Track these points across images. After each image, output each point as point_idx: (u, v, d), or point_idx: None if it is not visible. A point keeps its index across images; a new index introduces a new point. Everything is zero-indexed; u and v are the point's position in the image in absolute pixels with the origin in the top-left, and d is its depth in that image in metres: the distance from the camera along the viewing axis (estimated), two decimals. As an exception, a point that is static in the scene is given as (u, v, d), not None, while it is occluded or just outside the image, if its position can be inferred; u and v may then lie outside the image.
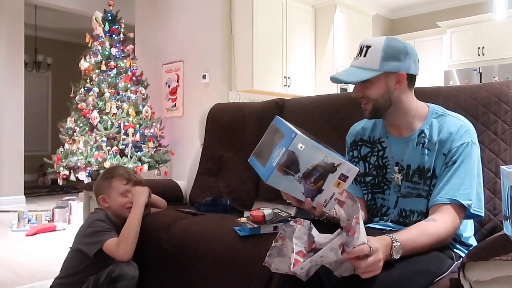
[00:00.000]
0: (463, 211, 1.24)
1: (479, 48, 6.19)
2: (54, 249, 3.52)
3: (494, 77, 5.77)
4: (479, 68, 6.06)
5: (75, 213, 4.42)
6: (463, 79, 6.09)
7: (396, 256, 1.09)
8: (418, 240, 1.14)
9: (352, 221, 0.99)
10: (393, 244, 1.08)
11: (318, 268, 1.05)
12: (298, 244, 1.06)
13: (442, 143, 1.31)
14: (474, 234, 1.41)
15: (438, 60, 6.65)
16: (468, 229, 1.37)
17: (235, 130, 2.41)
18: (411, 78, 1.35)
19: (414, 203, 1.34)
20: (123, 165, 4.38)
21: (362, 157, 1.49)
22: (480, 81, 5.95)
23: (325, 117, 2.06)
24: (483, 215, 1.28)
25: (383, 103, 1.33)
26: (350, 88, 5.56)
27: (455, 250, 1.31)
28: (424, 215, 1.32)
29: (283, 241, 1.11)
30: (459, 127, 1.30)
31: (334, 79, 1.37)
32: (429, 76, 6.66)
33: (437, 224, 1.19)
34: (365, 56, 1.31)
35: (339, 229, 1.04)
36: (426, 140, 1.34)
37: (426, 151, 1.33)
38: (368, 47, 1.32)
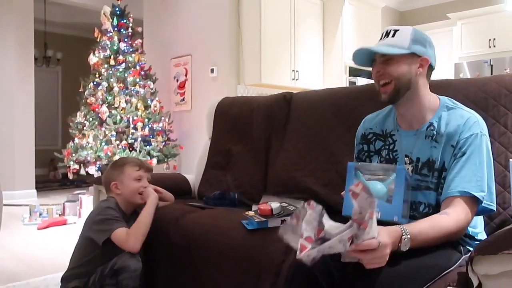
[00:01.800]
0: (476, 204, 1.23)
1: (490, 40, 6.10)
2: (65, 243, 3.57)
3: (505, 69, 5.69)
4: (490, 60, 5.98)
5: (85, 207, 4.47)
6: (474, 72, 6.02)
7: (404, 249, 1.09)
8: (430, 232, 1.14)
9: (366, 215, 0.99)
10: (403, 236, 1.08)
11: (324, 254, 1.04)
12: (307, 230, 1.06)
13: (450, 135, 1.30)
14: (484, 229, 1.39)
15: (448, 52, 6.57)
16: (478, 224, 1.36)
17: (243, 124, 2.41)
18: (431, 68, 1.40)
19: (422, 196, 1.34)
20: (132, 159, 4.41)
21: (376, 151, 1.49)
22: (491, 73, 5.87)
23: (332, 111, 2.05)
24: (494, 208, 1.26)
25: (404, 84, 1.34)
26: (359, 81, 5.54)
27: (463, 244, 1.30)
28: (433, 207, 1.31)
29: (297, 220, 1.11)
30: (467, 119, 1.30)
31: (358, 52, 1.37)
32: (439, 68, 6.57)
33: (449, 218, 1.18)
34: (393, 37, 1.35)
35: (350, 221, 1.03)
36: (435, 133, 1.33)
37: (434, 143, 1.33)
38: (396, 30, 1.36)
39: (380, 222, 1.06)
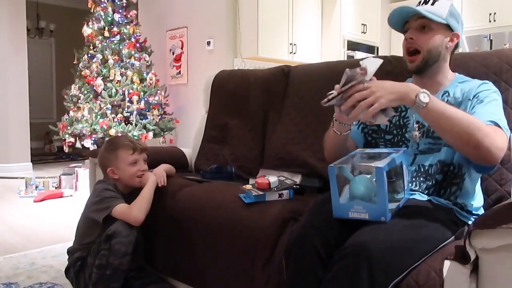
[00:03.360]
0: (498, 128, 1.19)
1: (490, 14, 6.01)
2: (62, 215, 3.58)
3: (505, 44, 5.64)
4: (490, 35, 5.91)
5: (81, 180, 4.47)
6: (473, 46, 5.96)
7: (424, 99, 1.15)
8: (452, 109, 1.18)
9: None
10: (422, 90, 1.16)
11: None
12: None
13: (468, 94, 1.33)
14: (483, 205, 1.40)
15: (447, 27, 6.50)
16: (477, 199, 1.36)
17: (240, 98, 2.38)
18: (456, 45, 1.41)
19: (433, 157, 1.34)
20: (128, 132, 4.39)
21: None
22: (491, 48, 5.82)
23: (331, 84, 2.01)
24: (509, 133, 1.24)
25: (434, 56, 1.36)
26: (357, 55, 5.48)
27: (461, 218, 1.30)
28: (446, 164, 1.32)
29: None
30: (483, 81, 1.35)
31: (399, 9, 1.36)
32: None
33: (480, 121, 1.17)
34: (432, 5, 1.34)
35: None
36: (450, 98, 1.36)
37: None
38: (435, 0, 1.35)
39: (368, 223, 1.12)
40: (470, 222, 1.30)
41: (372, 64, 1.20)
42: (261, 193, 1.58)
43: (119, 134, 4.26)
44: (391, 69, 1.76)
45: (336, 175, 1.17)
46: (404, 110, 1.45)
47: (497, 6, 5.97)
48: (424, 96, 1.16)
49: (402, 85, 1.21)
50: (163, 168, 2.01)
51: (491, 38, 5.91)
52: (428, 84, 1.38)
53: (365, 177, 1.17)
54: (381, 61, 1.22)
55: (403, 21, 1.40)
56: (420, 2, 1.38)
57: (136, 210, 1.73)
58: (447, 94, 1.38)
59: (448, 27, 1.35)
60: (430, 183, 1.34)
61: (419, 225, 1.13)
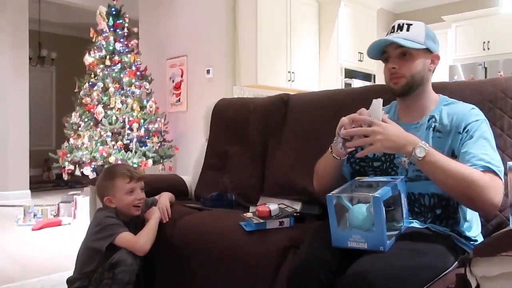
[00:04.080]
0: (492, 174, 1.20)
1: (484, 42, 6.14)
2: (60, 244, 3.55)
3: (499, 72, 5.73)
4: (484, 62, 6.02)
5: (80, 208, 4.45)
6: (468, 74, 6.06)
7: (419, 154, 1.16)
8: (448, 162, 1.18)
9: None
10: (420, 143, 1.17)
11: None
12: None
13: (456, 124, 1.32)
14: (481, 231, 1.40)
15: (442, 55, 6.53)
16: (474, 225, 1.37)
17: (240, 125, 2.41)
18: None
19: (423, 186, 1.33)
20: (127, 160, 4.40)
21: None
22: (485, 76, 5.91)
23: (330, 112, 2.05)
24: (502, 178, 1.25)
25: (418, 80, 1.37)
26: (355, 83, 5.55)
27: (460, 245, 1.31)
28: (437, 196, 1.32)
29: None
30: (471, 108, 1.35)
31: (375, 44, 1.37)
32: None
33: (475, 170, 1.18)
34: (408, 30, 1.35)
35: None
36: (437, 124, 1.36)
37: (438, 133, 1.34)
38: (409, 24, 1.36)
39: (365, 252, 1.13)
40: (468, 250, 1.31)
41: (377, 106, 1.27)
42: (262, 221, 1.58)
43: (119, 162, 4.27)
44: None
45: (334, 204, 1.18)
46: None
47: (491, 35, 6.11)
48: (420, 151, 1.17)
49: (404, 136, 1.22)
50: (168, 200, 2.02)
51: (485, 66, 6.02)
52: (413, 108, 1.41)
53: (363, 206, 1.17)
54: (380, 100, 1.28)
55: (382, 50, 1.41)
56: (394, 28, 1.38)
57: (143, 240, 1.73)
58: (433, 119, 1.37)
59: (427, 50, 1.37)
60: (429, 215, 1.34)
61: (419, 253, 1.13)
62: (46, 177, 8.41)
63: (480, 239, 1.37)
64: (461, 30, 6.41)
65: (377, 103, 1.26)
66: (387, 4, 7.35)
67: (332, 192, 1.21)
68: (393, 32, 1.37)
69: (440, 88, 1.68)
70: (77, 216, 4.46)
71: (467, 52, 6.32)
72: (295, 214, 1.67)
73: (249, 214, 1.67)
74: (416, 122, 1.40)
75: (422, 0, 7.28)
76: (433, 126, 1.36)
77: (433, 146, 1.30)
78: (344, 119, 1.29)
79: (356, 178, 1.37)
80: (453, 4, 6.94)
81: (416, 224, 1.33)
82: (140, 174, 1.93)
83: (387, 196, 1.15)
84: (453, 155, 1.30)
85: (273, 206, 1.62)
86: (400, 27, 1.36)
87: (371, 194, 1.13)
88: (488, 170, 1.20)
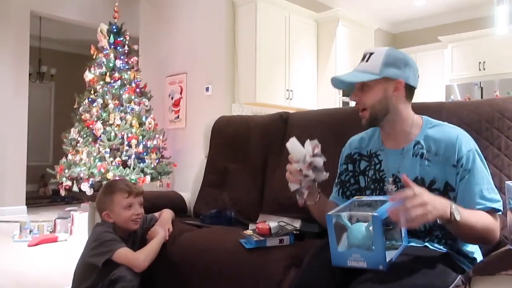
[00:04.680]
0: (495, 213, 1.27)
1: (480, 62, 6.23)
2: (56, 260, 3.52)
3: (495, 92, 5.80)
4: (480, 82, 6.10)
5: (77, 224, 4.42)
6: (464, 94, 6.13)
7: (457, 216, 1.14)
8: (472, 217, 1.19)
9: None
10: (452, 205, 1.15)
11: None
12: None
13: (447, 155, 1.31)
14: (479, 249, 1.41)
15: (439, 74, 6.69)
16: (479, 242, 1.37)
17: (239, 143, 2.42)
18: (410, 89, 1.38)
19: None
20: (126, 176, 4.40)
21: (362, 171, 1.49)
22: (481, 96, 5.98)
23: (329, 131, 2.07)
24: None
25: (380, 109, 1.35)
26: (352, 102, 5.59)
27: (459, 263, 1.31)
28: (430, 225, 1.32)
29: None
30: (457, 137, 1.32)
31: (334, 80, 1.39)
32: (430, 90, 6.70)
33: (486, 215, 1.23)
34: (367, 61, 1.36)
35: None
36: (424, 151, 1.34)
37: (427, 162, 1.33)
38: (371, 54, 1.36)
39: (368, 269, 1.12)
40: (467, 268, 1.31)
41: (309, 144, 1.31)
42: (262, 238, 1.58)
43: (117, 178, 4.26)
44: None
45: (334, 223, 1.18)
46: (378, 163, 1.44)
47: (486, 55, 6.20)
48: (457, 214, 1.14)
49: (439, 200, 1.16)
50: (171, 219, 2.02)
51: (481, 86, 6.09)
52: (394, 134, 1.40)
53: (362, 225, 1.18)
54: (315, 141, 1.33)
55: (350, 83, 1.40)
56: (362, 58, 1.39)
57: (142, 256, 1.73)
58: (419, 145, 1.36)
59: (387, 78, 1.34)
60: (427, 238, 1.34)
61: (419, 273, 1.14)
62: (43, 193, 8.38)
63: (478, 257, 1.38)
64: (457, 51, 6.50)
65: (294, 141, 1.32)
66: (384, 25, 7.48)
67: (331, 212, 1.21)
68: (362, 61, 1.39)
69: (437, 108, 1.71)
70: (74, 232, 4.43)
71: (463, 72, 6.41)
72: (295, 231, 1.67)
73: (249, 232, 1.67)
74: (402, 148, 1.39)
75: (419, 21, 7.40)
76: (420, 153, 1.35)
77: (420, 174, 1.33)
78: (291, 168, 1.33)
79: (355, 198, 1.38)
80: (449, 25, 7.06)
81: (414, 243, 1.33)
82: (139, 190, 1.94)
83: (386, 215, 1.16)
84: (448, 186, 1.31)
85: (273, 223, 1.62)
86: (364, 58, 1.38)
87: (370, 213, 1.14)
88: (495, 211, 1.26)
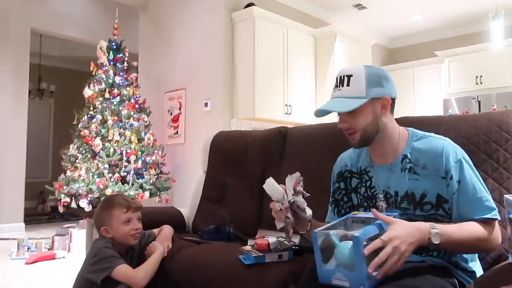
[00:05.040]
0: (492, 222, 1.26)
1: (477, 77, 6.27)
2: (54, 278, 3.48)
3: (492, 105, 5.83)
4: (478, 96, 6.13)
5: (75, 241, 4.39)
6: (462, 107, 6.16)
7: (436, 241, 1.14)
8: (457, 232, 1.19)
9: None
10: (431, 230, 1.14)
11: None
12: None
13: (436, 167, 1.30)
14: (479, 261, 1.40)
15: (437, 88, 6.74)
16: (471, 257, 1.36)
17: (238, 158, 2.42)
18: (393, 101, 1.38)
19: None
20: (124, 192, 4.38)
21: (353, 189, 1.49)
22: (479, 109, 6.01)
23: (327, 145, 2.08)
24: (499, 217, 1.28)
25: (372, 130, 1.34)
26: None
27: (457, 277, 1.29)
28: None
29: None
30: (443, 148, 1.31)
31: (321, 112, 1.34)
32: (428, 104, 6.74)
33: (477, 225, 1.23)
34: (348, 85, 1.32)
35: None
36: (412, 165, 1.34)
37: (416, 176, 1.33)
38: (349, 76, 1.32)
39: None
40: (466, 282, 1.29)
41: (290, 180, 1.32)
42: (260, 254, 1.57)
43: (115, 193, 4.25)
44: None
45: (323, 240, 1.18)
46: (368, 179, 1.43)
47: (483, 70, 6.25)
48: (436, 238, 1.15)
49: (414, 228, 1.16)
50: (171, 236, 2.01)
51: (479, 99, 6.13)
52: (382, 150, 1.39)
53: (349, 244, 1.16)
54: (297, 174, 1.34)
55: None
56: (337, 82, 1.35)
57: (142, 274, 1.71)
58: (407, 159, 1.35)
59: (374, 98, 1.32)
60: (424, 253, 1.33)
61: (415, 285, 1.12)
62: (41, 210, 8.33)
63: (478, 270, 1.36)
64: (454, 65, 6.55)
65: (271, 182, 1.35)
66: (382, 40, 7.55)
67: (319, 228, 1.21)
68: (337, 86, 1.34)
69: (436, 122, 1.72)
70: (72, 249, 4.39)
71: (461, 86, 6.45)
72: (294, 247, 1.66)
73: (247, 247, 1.66)
74: (390, 164, 1.38)
75: (415, 36, 7.48)
76: (408, 167, 1.34)
77: (410, 188, 1.32)
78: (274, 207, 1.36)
79: (351, 214, 1.37)
80: (445, 40, 7.13)
81: (412, 258, 1.32)
82: (138, 205, 1.92)
83: (370, 234, 1.14)
84: (441, 198, 1.30)
85: (271, 239, 1.61)
86: (342, 81, 1.33)
87: (351, 233, 1.13)
88: (490, 219, 1.25)
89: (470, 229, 1.22)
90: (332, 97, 1.36)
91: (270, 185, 1.32)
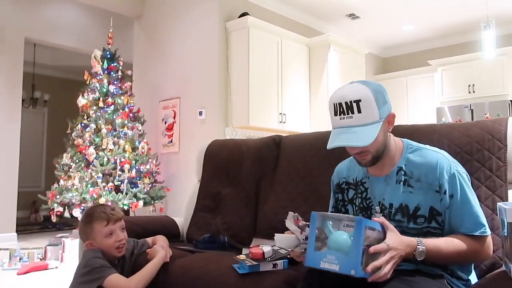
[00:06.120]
0: (483, 237, 1.28)
1: (469, 85, 6.33)
2: (46, 288, 3.44)
3: (485, 114, 5.88)
4: (470, 105, 6.19)
5: (68, 251, 4.34)
6: (455, 116, 6.20)
7: (419, 258, 1.18)
8: (444, 248, 1.22)
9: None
10: (418, 246, 1.18)
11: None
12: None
13: (430, 181, 1.30)
14: (474, 270, 1.40)
15: (430, 97, 6.79)
16: (466, 265, 1.36)
17: (233, 167, 2.42)
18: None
19: None
20: (118, 201, 4.35)
21: (350, 200, 1.49)
22: (472, 118, 6.06)
23: (322, 154, 2.08)
24: (489, 233, 1.30)
25: (382, 149, 1.33)
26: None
27: (452, 285, 1.29)
28: None
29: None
30: (437, 162, 1.31)
31: (342, 146, 1.28)
32: (421, 112, 6.78)
33: (463, 239, 1.25)
34: (360, 112, 1.25)
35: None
36: (407, 178, 1.34)
37: (409, 188, 1.33)
38: (357, 101, 1.25)
39: (339, 275, 1.13)
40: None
41: (290, 223, 1.31)
42: (255, 263, 1.56)
43: (109, 203, 4.22)
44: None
45: (317, 228, 1.19)
46: (364, 191, 1.43)
47: (476, 78, 6.31)
48: (420, 254, 1.19)
49: (406, 243, 1.20)
50: (167, 243, 1.99)
51: (471, 108, 6.18)
52: (379, 164, 1.38)
53: (344, 233, 1.16)
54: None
55: None
56: (342, 108, 1.28)
57: (135, 282, 1.70)
58: (402, 172, 1.35)
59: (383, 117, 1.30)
60: (419, 261, 1.33)
61: None
62: (34, 219, 8.25)
63: (472, 278, 1.37)
64: (447, 74, 6.61)
65: (279, 236, 1.34)
66: (375, 49, 7.61)
67: (319, 212, 1.22)
68: (343, 114, 1.27)
69: (429, 130, 1.73)
70: (65, 259, 4.35)
71: (453, 95, 6.51)
72: (288, 256, 1.65)
73: (242, 256, 1.65)
74: (385, 175, 1.38)
75: (408, 45, 7.55)
76: (402, 179, 1.34)
77: (404, 201, 1.33)
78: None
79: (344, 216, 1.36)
80: (438, 49, 7.20)
81: (407, 266, 1.31)
82: (118, 215, 1.88)
83: (372, 224, 1.16)
84: (434, 211, 1.30)
85: (266, 248, 1.60)
86: (350, 108, 1.26)
87: (357, 216, 1.15)
88: (482, 235, 1.26)
89: (458, 243, 1.24)
90: (342, 125, 1.29)
91: (280, 238, 1.31)
